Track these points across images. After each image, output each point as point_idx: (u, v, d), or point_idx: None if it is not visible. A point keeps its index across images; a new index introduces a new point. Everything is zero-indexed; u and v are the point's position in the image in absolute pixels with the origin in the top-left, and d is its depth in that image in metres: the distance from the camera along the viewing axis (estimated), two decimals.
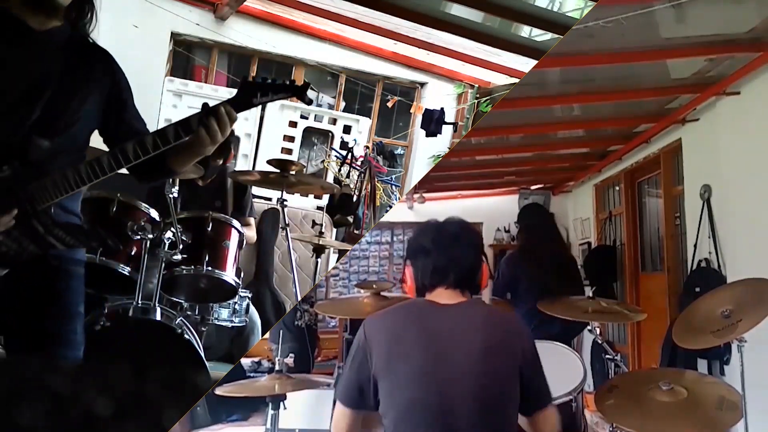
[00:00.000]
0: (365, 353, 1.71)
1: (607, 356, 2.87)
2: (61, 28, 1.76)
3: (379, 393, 1.68)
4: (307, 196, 5.39)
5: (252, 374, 3.69)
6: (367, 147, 5.93)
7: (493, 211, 5.82)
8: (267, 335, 3.74)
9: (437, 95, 6.27)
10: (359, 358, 1.72)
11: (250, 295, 3.41)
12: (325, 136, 6.06)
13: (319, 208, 5.54)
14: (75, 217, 1.81)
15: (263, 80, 1.78)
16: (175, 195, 2.81)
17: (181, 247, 2.77)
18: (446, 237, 1.83)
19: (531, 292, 3.24)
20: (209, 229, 2.95)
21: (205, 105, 1.76)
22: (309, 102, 1.85)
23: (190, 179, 3.45)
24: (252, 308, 3.49)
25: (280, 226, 3.27)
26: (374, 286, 3.20)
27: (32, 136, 1.66)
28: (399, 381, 1.66)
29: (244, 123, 5.52)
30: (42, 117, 1.68)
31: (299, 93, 1.80)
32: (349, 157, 5.81)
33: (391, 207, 5.99)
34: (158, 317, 2.74)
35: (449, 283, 1.78)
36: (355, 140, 5.95)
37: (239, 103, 1.77)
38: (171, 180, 2.84)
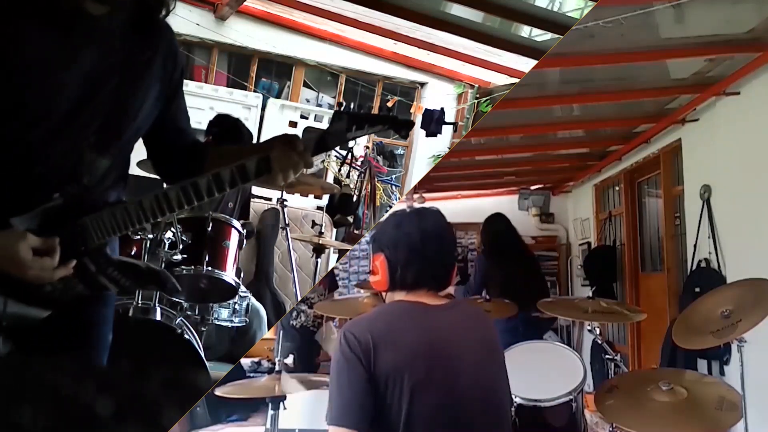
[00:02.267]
0: (359, 365, 1.53)
1: (607, 356, 2.87)
2: (120, 8, 1.40)
3: (386, 407, 1.53)
4: (307, 196, 5.39)
5: (252, 374, 3.69)
6: (367, 147, 5.94)
7: (493, 211, 5.82)
8: (268, 334, 3.75)
9: (437, 95, 6.27)
10: (353, 372, 1.54)
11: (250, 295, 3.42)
12: None
13: (319, 208, 5.54)
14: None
15: (359, 109, 1.49)
16: None
17: (181, 247, 2.77)
18: (434, 232, 1.71)
19: (502, 289, 3.59)
20: (209, 229, 2.95)
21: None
22: (405, 137, 1.63)
23: None
24: (257, 304, 3.50)
25: (280, 226, 3.27)
26: None
27: (87, 152, 1.37)
28: (412, 392, 1.53)
29: (244, 123, 5.52)
30: (101, 127, 1.38)
31: (400, 128, 1.49)
32: (349, 157, 5.81)
33: (391, 207, 5.99)
34: (158, 317, 2.74)
35: (433, 285, 1.69)
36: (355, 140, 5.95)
37: (332, 139, 1.50)
38: None
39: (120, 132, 1.41)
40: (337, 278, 5.48)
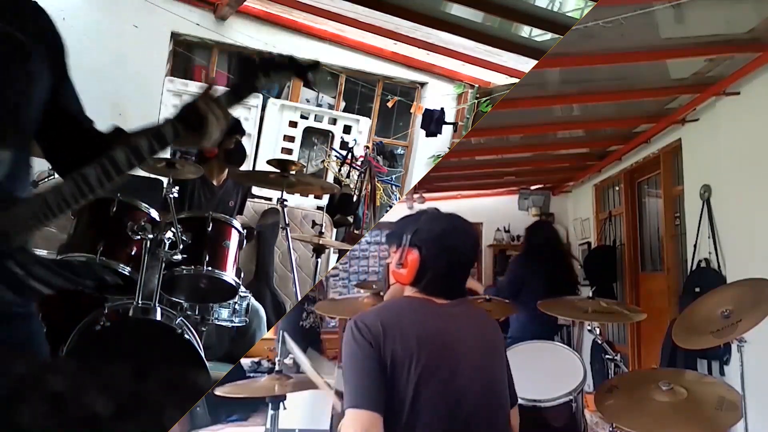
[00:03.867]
0: (371, 349, 1.58)
1: (607, 356, 2.87)
2: None
3: (393, 392, 1.58)
4: (307, 196, 5.40)
5: (252, 374, 3.69)
6: (367, 147, 5.94)
7: (493, 211, 5.84)
8: (268, 334, 3.75)
9: (437, 95, 6.27)
10: (365, 357, 1.58)
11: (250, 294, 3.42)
12: (325, 136, 6.07)
13: (319, 208, 5.54)
14: None
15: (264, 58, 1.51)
16: (176, 195, 2.82)
17: (181, 247, 2.77)
18: (473, 249, 1.77)
19: (537, 293, 3.45)
20: (209, 229, 2.96)
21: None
22: (309, 85, 1.57)
23: (205, 179, 3.50)
24: (257, 304, 3.50)
25: (280, 226, 3.27)
26: (374, 286, 3.21)
27: None
28: (418, 379, 1.57)
29: (244, 123, 5.53)
30: None
31: (303, 72, 1.52)
32: (349, 157, 5.81)
33: (391, 207, 5.99)
34: (158, 317, 2.74)
35: (450, 294, 1.73)
36: (355, 140, 5.96)
37: (242, 89, 1.47)
38: (171, 180, 2.84)
39: (16, 120, 1.30)
40: (336, 278, 5.49)
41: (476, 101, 6.29)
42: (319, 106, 6.23)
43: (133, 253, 2.81)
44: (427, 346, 1.61)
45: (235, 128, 3.70)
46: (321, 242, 3.33)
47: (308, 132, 5.98)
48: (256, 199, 5.10)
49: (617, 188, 5.27)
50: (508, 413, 1.74)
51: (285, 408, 2.28)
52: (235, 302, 3.25)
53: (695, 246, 3.88)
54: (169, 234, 2.73)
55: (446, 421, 1.60)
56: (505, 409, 1.73)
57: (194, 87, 5.62)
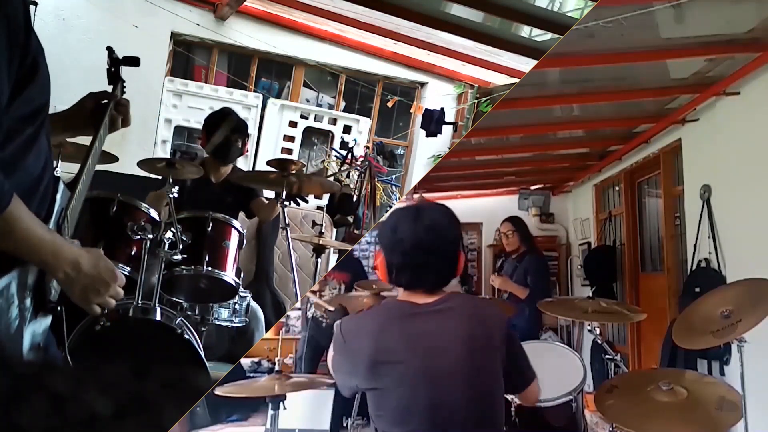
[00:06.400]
0: (347, 357, 1.74)
1: (607, 356, 2.87)
2: None
3: (367, 397, 1.72)
4: (307, 196, 5.39)
5: (252, 374, 3.69)
6: (367, 147, 5.94)
7: (493, 211, 5.82)
8: (269, 335, 3.75)
9: (437, 95, 6.27)
10: (345, 361, 1.76)
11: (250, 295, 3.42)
12: (325, 136, 6.07)
13: (319, 208, 5.54)
14: None
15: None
16: (176, 195, 2.82)
17: (181, 247, 2.77)
18: (430, 235, 1.73)
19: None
20: (209, 229, 2.95)
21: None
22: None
23: (202, 178, 3.49)
24: (255, 305, 3.50)
25: (280, 226, 3.27)
26: (374, 286, 3.21)
27: None
28: (387, 387, 1.67)
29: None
30: None
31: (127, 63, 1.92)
32: (349, 157, 5.81)
33: (391, 207, 5.99)
34: (158, 317, 2.74)
35: (426, 287, 1.76)
36: (355, 140, 5.96)
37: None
38: (171, 180, 2.84)
39: None
40: None
41: (476, 101, 6.29)
42: (319, 106, 6.23)
43: (133, 253, 2.80)
44: (407, 355, 1.67)
45: (229, 124, 3.64)
46: (321, 242, 3.33)
47: (308, 132, 5.98)
48: None
49: (617, 188, 5.26)
50: (501, 398, 1.77)
51: (285, 408, 2.28)
52: (235, 302, 3.24)
53: (695, 246, 3.88)
54: (169, 234, 2.74)
55: (425, 426, 1.64)
56: (498, 401, 1.75)
57: (194, 87, 5.63)
